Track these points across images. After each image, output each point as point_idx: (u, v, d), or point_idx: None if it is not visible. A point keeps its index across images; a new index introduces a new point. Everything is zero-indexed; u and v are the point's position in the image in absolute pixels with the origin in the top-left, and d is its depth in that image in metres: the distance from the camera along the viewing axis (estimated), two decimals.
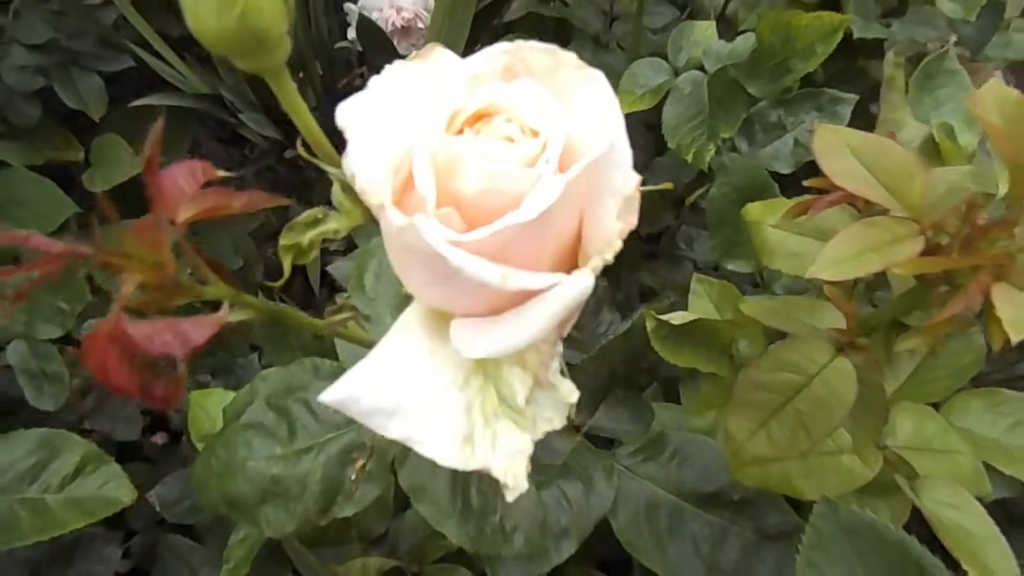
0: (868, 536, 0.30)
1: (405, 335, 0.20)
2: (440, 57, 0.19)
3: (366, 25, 0.81)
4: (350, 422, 0.39)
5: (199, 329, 0.17)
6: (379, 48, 0.85)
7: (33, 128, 0.82)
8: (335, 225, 0.23)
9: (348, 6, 1.01)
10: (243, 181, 1.31)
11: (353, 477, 0.38)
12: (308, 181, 1.24)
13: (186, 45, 1.02)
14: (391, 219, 0.15)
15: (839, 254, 0.23)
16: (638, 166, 0.63)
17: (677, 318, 0.42)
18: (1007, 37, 0.72)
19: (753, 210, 0.40)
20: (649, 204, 0.81)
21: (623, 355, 0.46)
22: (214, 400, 0.50)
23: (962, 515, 0.32)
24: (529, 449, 0.19)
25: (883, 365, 0.41)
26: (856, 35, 0.65)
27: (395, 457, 0.38)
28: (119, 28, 0.89)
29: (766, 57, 0.54)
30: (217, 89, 0.99)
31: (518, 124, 0.16)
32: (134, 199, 0.92)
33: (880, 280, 0.39)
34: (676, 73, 0.59)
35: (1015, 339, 0.21)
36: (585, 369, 0.48)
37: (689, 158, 0.56)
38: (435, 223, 0.15)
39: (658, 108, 0.63)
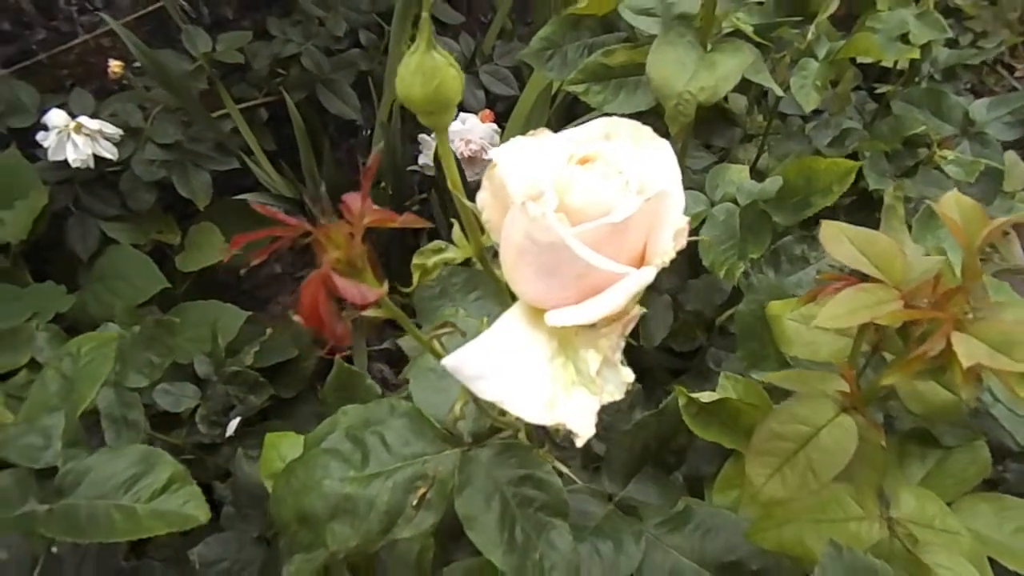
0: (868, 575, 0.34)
1: (507, 324, 0.27)
2: (547, 133, 0.28)
3: None
4: (417, 455, 0.44)
5: (372, 291, 0.25)
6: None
7: (144, 213, 0.94)
8: (452, 255, 0.31)
9: (422, 137, 1.16)
10: (302, 282, 1.42)
11: (414, 503, 0.43)
12: None
13: (279, 156, 1.17)
14: (531, 210, 0.22)
15: (838, 311, 0.30)
16: (675, 288, 0.71)
17: (706, 397, 0.48)
18: (1010, 203, 0.81)
19: (775, 307, 0.47)
20: (683, 324, 0.89)
21: (656, 432, 0.52)
22: (286, 443, 0.56)
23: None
24: (597, 408, 0.25)
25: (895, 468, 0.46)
26: (871, 187, 0.74)
27: (453, 487, 0.43)
28: (229, 137, 1.04)
29: (791, 194, 0.63)
30: (300, 194, 1.12)
31: (611, 167, 0.24)
32: (216, 281, 1.03)
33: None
34: (712, 204, 0.68)
35: (966, 364, 0.27)
36: (620, 442, 0.53)
37: (721, 274, 0.64)
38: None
39: (694, 240, 0.71)
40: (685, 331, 0.82)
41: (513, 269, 0.26)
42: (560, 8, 1.23)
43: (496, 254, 0.34)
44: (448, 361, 0.26)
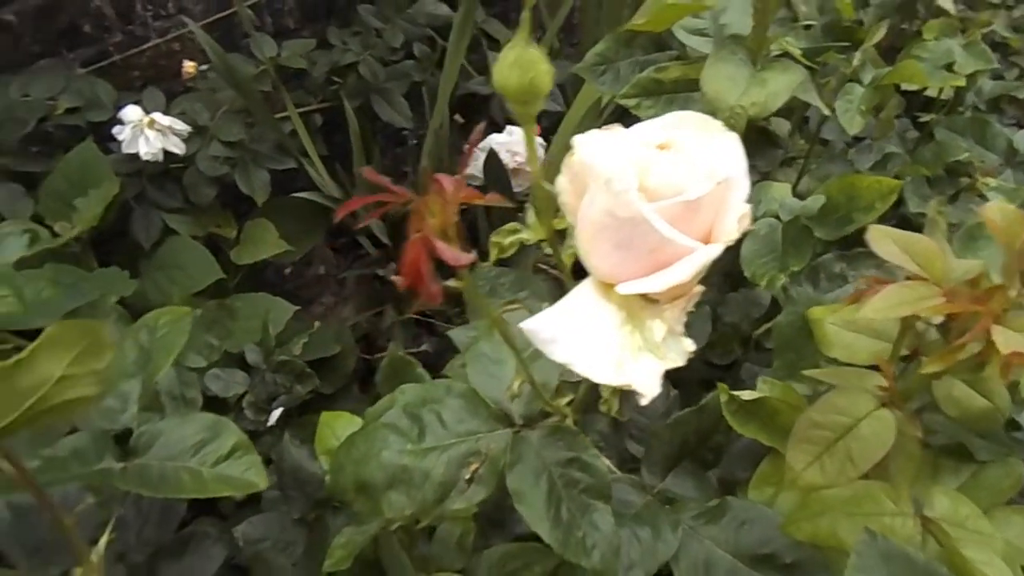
0: (902, 561, 0.36)
1: (579, 295, 0.30)
2: (619, 128, 0.31)
3: (493, 160, 0.97)
4: (471, 433, 0.47)
5: (464, 256, 0.28)
6: (497, 180, 1.01)
7: (205, 207, 0.99)
8: (527, 236, 0.34)
9: None
10: (344, 284, 1.47)
11: (467, 477, 0.45)
12: (400, 297, 1.39)
13: (332, 160, 1.22)
14: (615, 186, 0.25)
15: (882, 304, 0.32)
16: (714, 301, 0.74)
17: (746, 395, 0.50)
18: None
19: (817, 311, 0.49)
20: (721, 336, 0.91)
21: (696, 427, 0.54)
22: (341, 422, 0.59)
23: (992, 569, 0.38)
24: (661, 372, 0.28)
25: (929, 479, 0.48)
26: (912, 211, 0.76)
27: (504, 465, 0.46)
28: (288, 139, 1.09)
29: (833, 211, 0.65)
30: (350, 196, 1.16)
31: (686, 153, 0.27)
32: (263, 280, 1.07)
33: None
34: (754, 219, 0.71)
35: (1004, 351, 0.29)
36: (660, 436, 0.55)
37: (762, 284, 0.66)
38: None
39: (734, 254, 0.73)
40: (723, 343, 0.84)
41: (590, 244, 0.29)
42: (608, 30, 1.26)
43: (563, 240, 0.37)
44: (525, 324, 0.29)
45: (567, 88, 1.27)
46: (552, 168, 0.92)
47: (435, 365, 1.41)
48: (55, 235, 0.86)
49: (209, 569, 0.60)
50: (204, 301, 1.03)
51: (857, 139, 0.95)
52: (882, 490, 0.42)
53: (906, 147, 0.90)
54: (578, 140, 0.29)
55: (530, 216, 0.34)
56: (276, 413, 1.02)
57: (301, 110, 1.12)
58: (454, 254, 0.27)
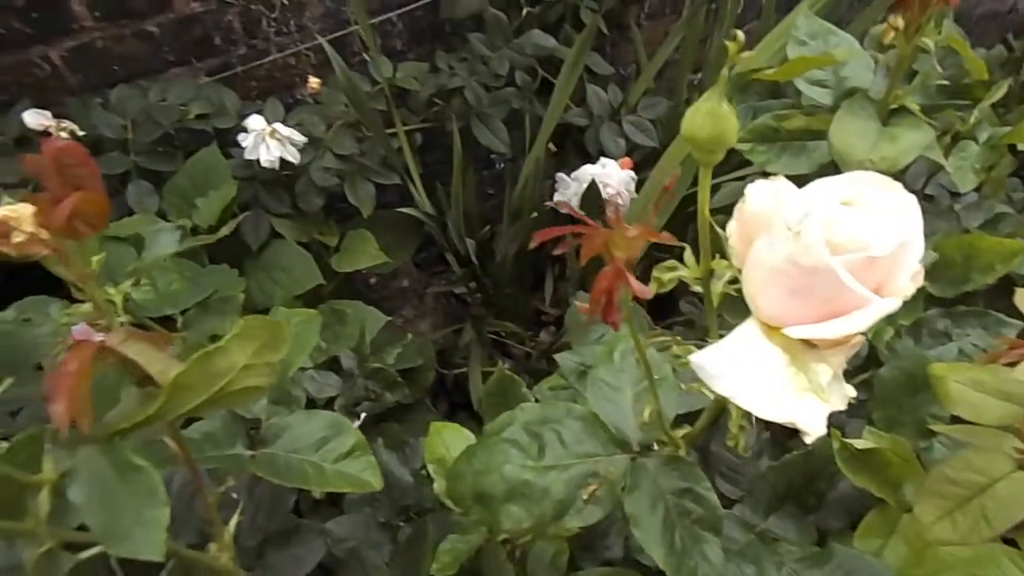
0: None
1: (744, 334, 0.32)
2: (785, 182, 0.33)
3: (593, 190, 1.00)
4: (590, 455, 0.49)
5: (647, 289, 0.30)
6: (591, 209, 1.04)
7: (311, 215, 1.04)
8: (684, 274, 0.36)
9: (559, 176, 1.23)
10: (424, 298, 1.51)
11: (585, 498, 0.47)
12: (477, 316, 1.42)
13: (431, 179, 1.26)
14: (806, 238, 0.27)
15: None
16: None
17: (859, 443, 0.51)
18: None
19: (939, 368, 0.50)
20: None
21: (802, 470, 0.55)
22: (450, 432, 0.62)
23: None
24: (825, 414, 0.29)
25: None
26: (1020, 272, 0.75)
27: (624, 488, 0.47)
28: (394, 155, 1.14)
29: (947, 268, 0.65)
30: (443, 215, 1.20)
31: (867, 210, 0.29)
32: (351, 289, 1.11)
33: None
34: None
35: None
36: (766, 477, 0.56)
37: (869, 335, 0.66)
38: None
39: None
40: None
41: (761, 287, 0.30)
42: (712, 73, 1.29)
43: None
44: (694, 358, 0.31)
45: (656, 125, 1.30)
46: (646, 204, 0.93)
47: None
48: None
49: (312, 560, 0.63)
50: (300, 305, 1.08)
51: (954, 194, 0.94)
52: (1005, 554, 0.42)
53: (1015, 208, 0.89)
54: (750, 190, 0.31)
55: (688, 254, 0.36)
56: (360, 419, 1.05)
57: (404, 128, 1.17)
58: (641, 287, 0.29)
